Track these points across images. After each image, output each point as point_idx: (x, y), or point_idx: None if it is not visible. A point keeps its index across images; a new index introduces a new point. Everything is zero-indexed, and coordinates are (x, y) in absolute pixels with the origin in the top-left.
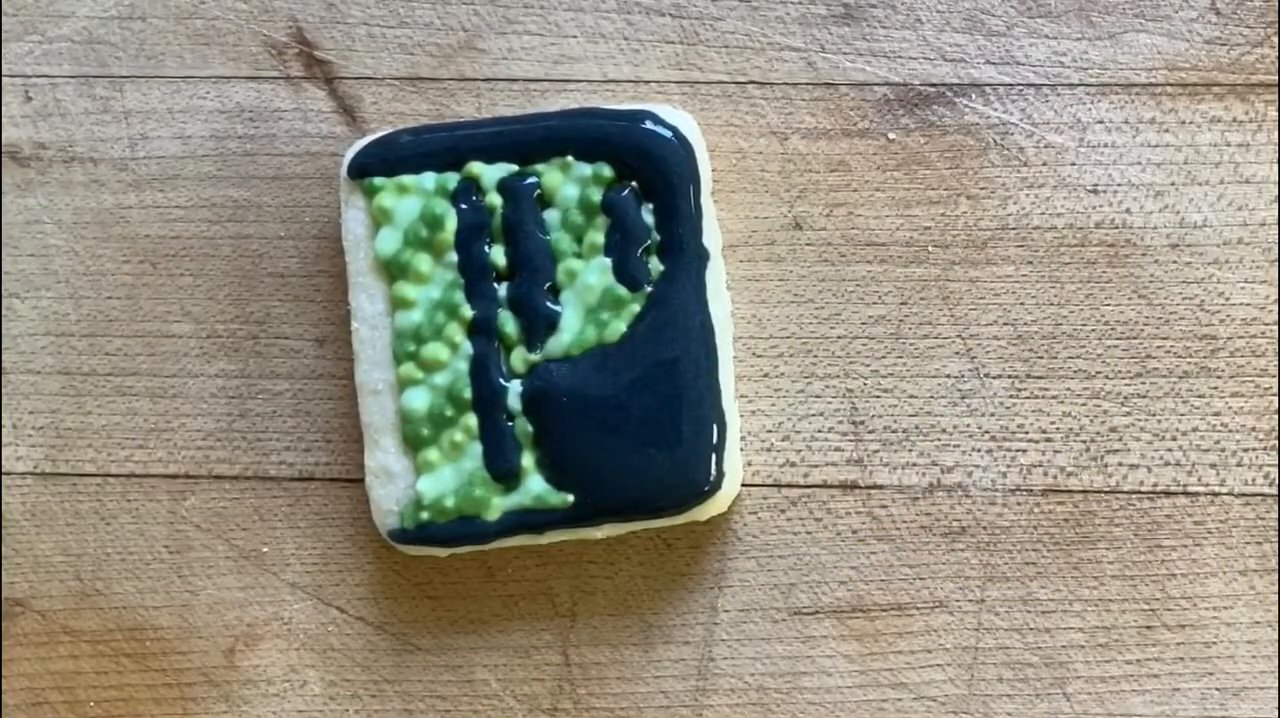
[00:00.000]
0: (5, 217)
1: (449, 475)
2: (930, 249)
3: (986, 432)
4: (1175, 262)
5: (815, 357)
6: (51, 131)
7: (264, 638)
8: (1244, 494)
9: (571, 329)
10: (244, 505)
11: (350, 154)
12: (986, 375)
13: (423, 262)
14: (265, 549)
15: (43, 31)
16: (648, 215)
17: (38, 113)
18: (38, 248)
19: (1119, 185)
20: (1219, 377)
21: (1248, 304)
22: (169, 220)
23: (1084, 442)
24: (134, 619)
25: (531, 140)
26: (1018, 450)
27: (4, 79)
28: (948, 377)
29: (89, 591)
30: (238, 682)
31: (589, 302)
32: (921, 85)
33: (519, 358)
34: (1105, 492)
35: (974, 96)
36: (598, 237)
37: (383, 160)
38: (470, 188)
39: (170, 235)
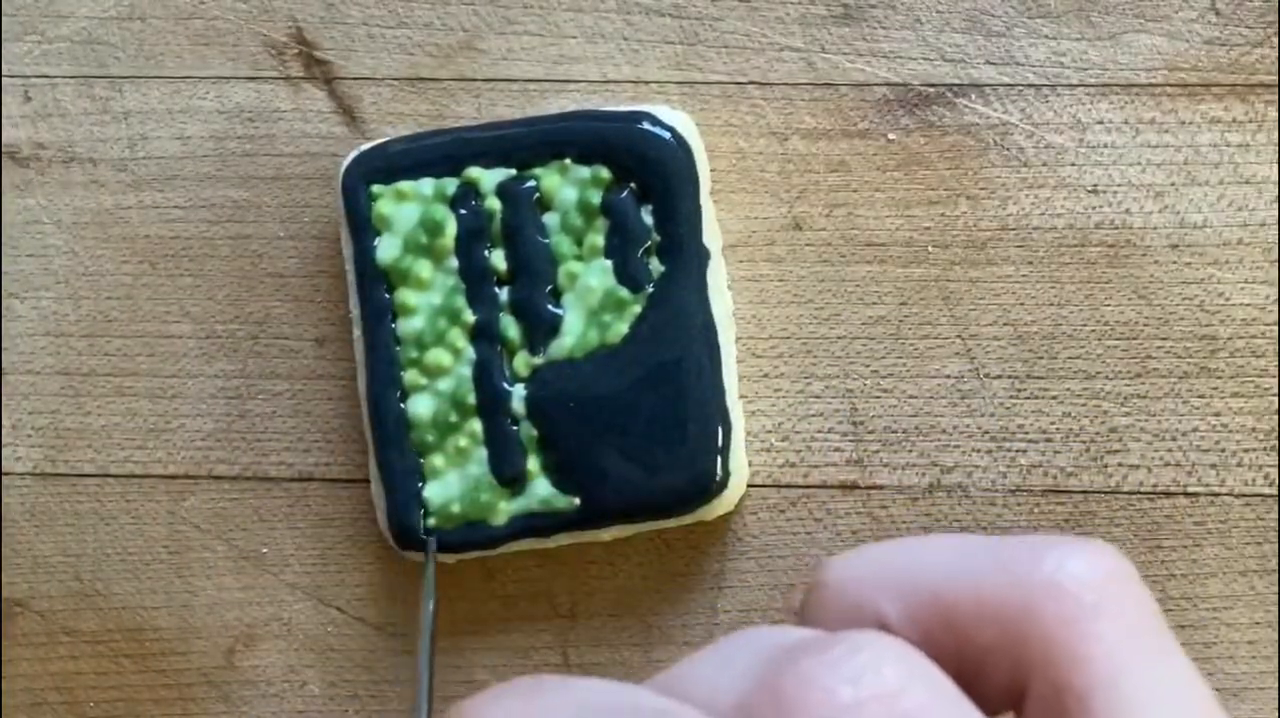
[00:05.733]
0: (4, 217)
1: (455, 481)
2: (930, 249)
3: (986, 432)
4: (1175, 262)
5: (815, 357)
6: (51, 132)
7: (263, 639)
8: (1244, 495)
9: (574, 332)
10: (243, 506)
11: (347, 161)
12: (986, 376)
13: (423, 268)
14: (265, 550)
15: (42, 32)
16: (647, 216)
17: (37, 113)
18: (37, 248)
19: (1119, 186)
20: (1219, 377)
21: (1248, 304)
22: (168, 221)
23: (1084, 442)
24: (133, 620)
25: (529, 143)
26: (1018, 451)
27: (3, 79)
28: (948, 377)
29: (88, 591)
30: (237, 682)
31: (590, 304)
32: (921, 85)
33: (522, 362)
34: (1105, 492)
35: (974, 97)
36: (598, 239)
37: (380, 167)
38: (469, 193)
39: (170, 236)
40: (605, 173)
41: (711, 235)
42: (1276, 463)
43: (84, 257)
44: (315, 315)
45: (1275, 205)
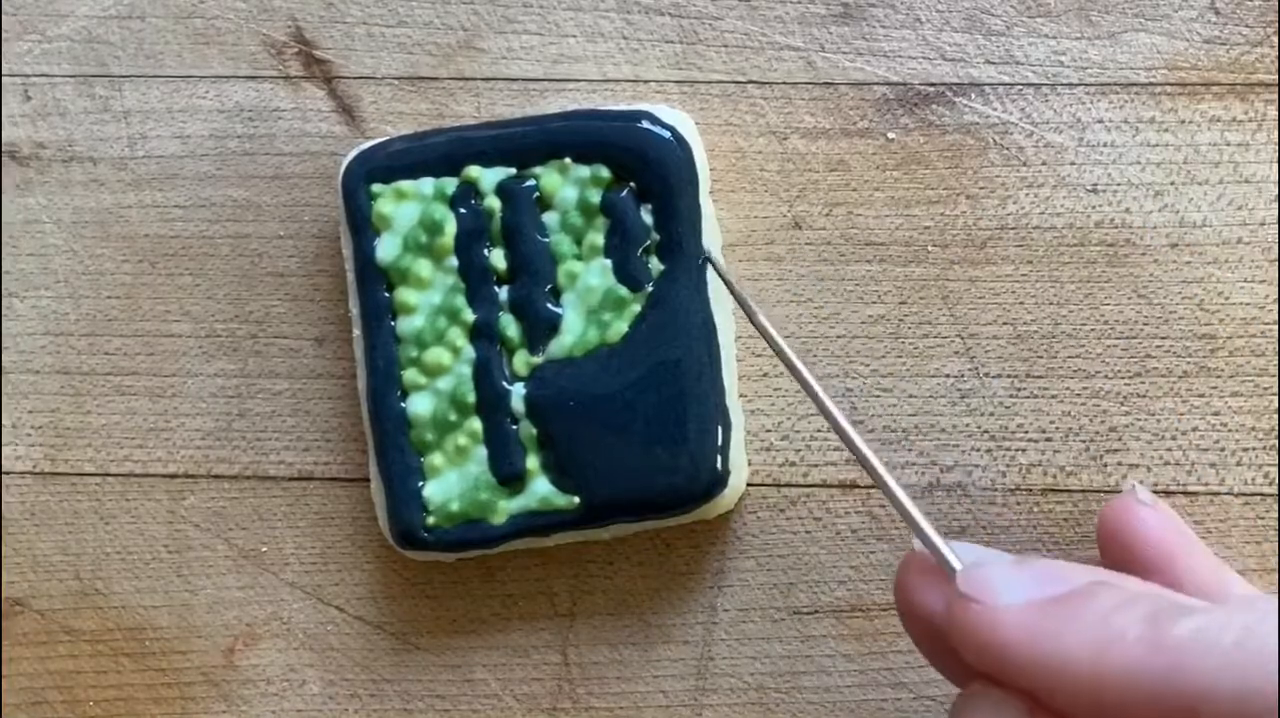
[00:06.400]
0: (5, 216)
1: (454, 480)
2: (930, 249)
3: (986, 432)
4: (1175, 261)
5: (815, 356)
6: (51, 131)
7: (263, 638)
8: (1243, 494)
9: (573, 331)
10: (243, 505)
11: (347, 160)
12: (986, 375)
13: (423, 267)
14: (264, 549)
15: (42, 31)
16: (647, 216)
17: (37, 112)
18: (37, 247)
19: (1118, 185)
20: (1218, 376)
21: (1247, 304)
22: (168, 220)
23: (1084, 441)
24: (133, 619)
25: (528, 143)
26: (1017, 450)
27: (3, 78)
28: (947, 377)
29: (88, 590)
30: (237, 681)
31: (590, 303)
32: (921, 85)
33: (521, 361)
34: (1105, 492)
35: (973, 96)
36: (597, 238)
37: (380, 166)
38: (469, 192)
39: (169, 235)
40: (605, 172)
41: (711, 235)
42: (1276, 462)
43: (84, 256)
44: (315, 315)
45: (1275, 205)
